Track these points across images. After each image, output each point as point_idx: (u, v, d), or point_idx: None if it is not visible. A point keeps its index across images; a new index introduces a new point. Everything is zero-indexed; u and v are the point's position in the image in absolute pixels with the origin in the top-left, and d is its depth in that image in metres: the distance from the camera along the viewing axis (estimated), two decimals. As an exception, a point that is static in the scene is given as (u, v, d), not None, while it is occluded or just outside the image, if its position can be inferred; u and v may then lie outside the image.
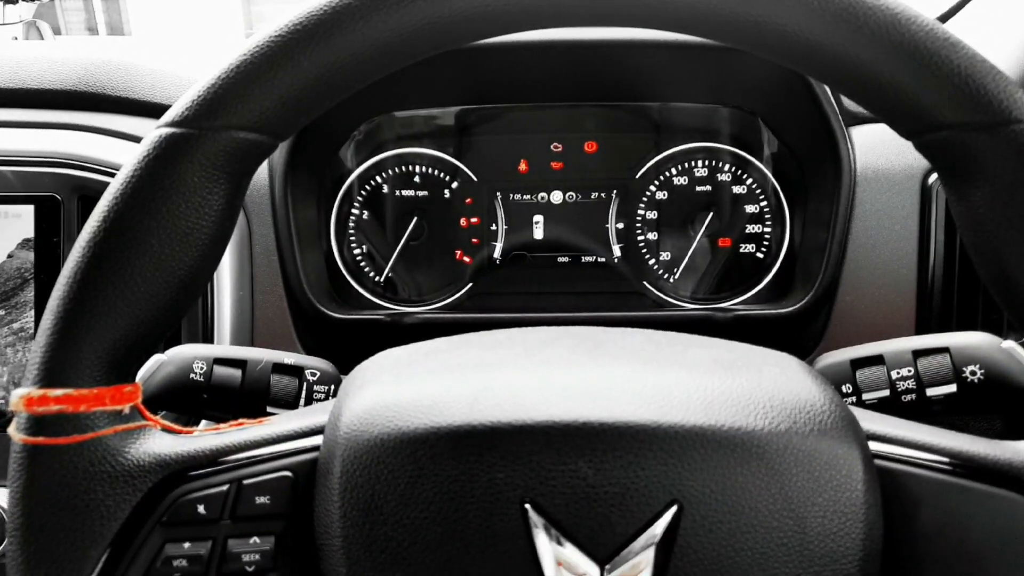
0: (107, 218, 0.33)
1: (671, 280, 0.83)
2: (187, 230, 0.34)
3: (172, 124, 0.34)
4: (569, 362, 0.36)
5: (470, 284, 0.83)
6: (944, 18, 0.84)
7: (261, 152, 0.35)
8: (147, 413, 0.35)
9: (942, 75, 0.32)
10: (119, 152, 0.68)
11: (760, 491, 0.31)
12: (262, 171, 0.74)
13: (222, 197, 0.35)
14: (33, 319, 0.65)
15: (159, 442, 0.35)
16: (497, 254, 0.83)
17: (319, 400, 0.51)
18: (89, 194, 0.65)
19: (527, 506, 0.31)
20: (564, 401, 0.32)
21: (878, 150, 0.74)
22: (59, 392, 0.32)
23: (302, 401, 0.50)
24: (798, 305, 0.74)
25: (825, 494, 0.31)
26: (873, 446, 0.34)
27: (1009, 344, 0.47)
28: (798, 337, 0.76)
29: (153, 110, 0.72)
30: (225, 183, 0.35)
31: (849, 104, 0.76)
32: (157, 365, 0.48)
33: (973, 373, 0.45)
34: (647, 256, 0.83)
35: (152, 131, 0.34)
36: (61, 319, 0.33)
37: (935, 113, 0.33)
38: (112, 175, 0.66)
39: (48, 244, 0.64)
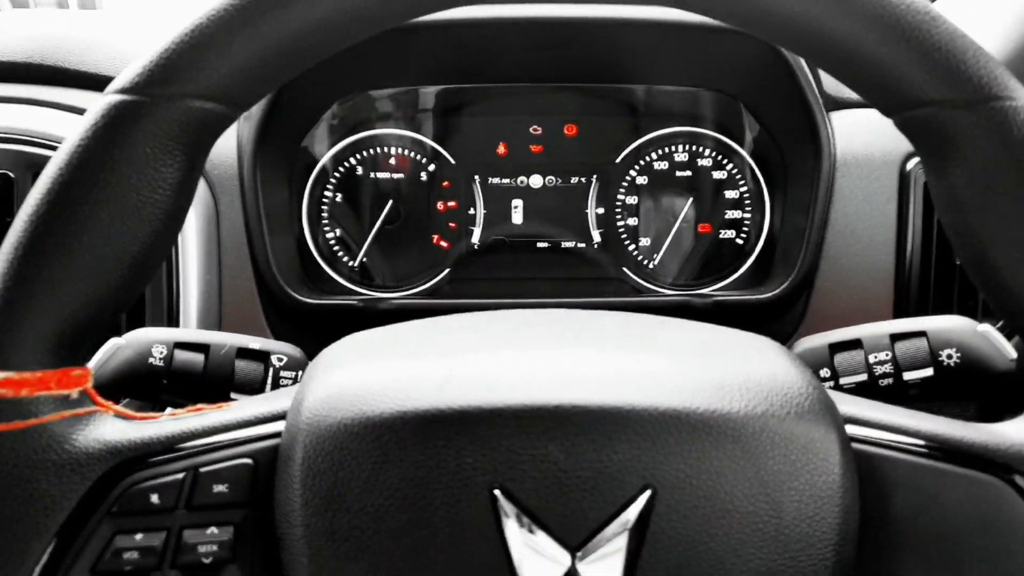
0: (51, 190, 0.31)
1: (651, 266, 0.82)
2: (139, 204, 0.32)
3: (122, 91, 0.32)
4: (540, 345, 0.35)
5: (447, 270, 0.82)
6: (932, -3, 0.84)
7: (219, 123, 0.34)
8: (98, 398, 0.34)
9: (923, 51, 0.31)
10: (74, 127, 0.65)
11: (735, 475, 0.30)
12: (230, 150, 0.72)
13: (177, 170, 0.33)
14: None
15: (110, 428, 0.33)
16: (475, 239, 0.82)
17: (286, 387, 0.49)
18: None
19: (496, 492, 0.30)
20: (534, 384, 0.31)
21: (858, 135, 0.74)
22: None
23: (268, 387, 0.49)
24: (778, 291, 0.73)
25: (801, 478, 0.31)
26: (850, 429, 0.33)
27: (985, 328, 0.46)
28: (777, 323, 0.76)
29: (110, 83, 0.69)
30: (180, 155, 0.33)
31: (830, 89, 0.75)
32: (114, 349, 0.46)
33: (949, 357, 0.45)
34: (627, 242, 0.82)
35: (100, 98, 0.32)
36: (0, 297, 0.31)
37: (915, 90, 0.32)
38: None
39: (0, 224, 0.62)
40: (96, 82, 0.69)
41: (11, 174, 0.62)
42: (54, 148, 0.63)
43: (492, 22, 0.71)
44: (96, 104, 0.32)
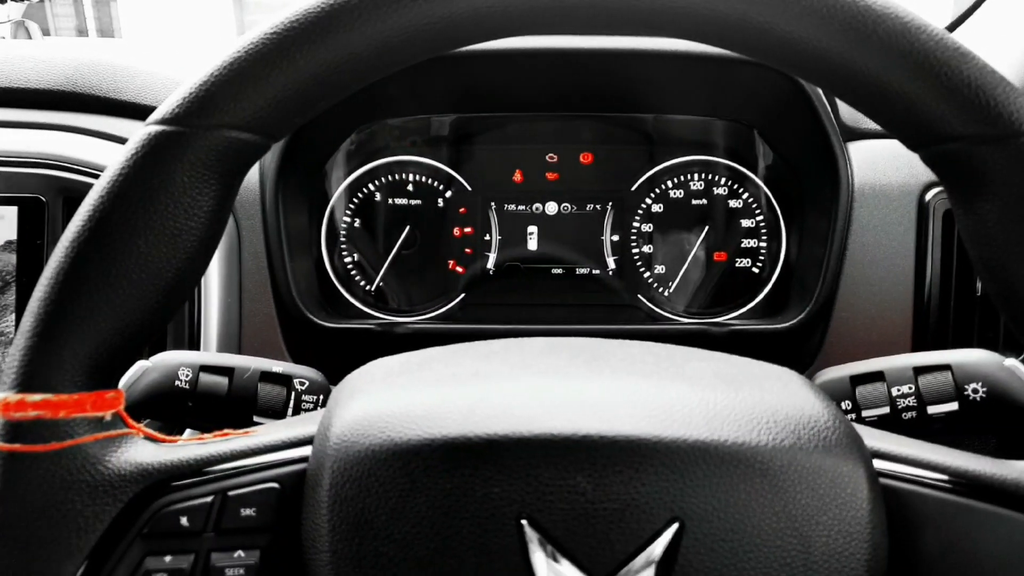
0: (92, 217, 0.32)
1: (666, 293, 0.83)
2: (175, 231, 0.33)
3: (162, 122, 0.33)
4: (567, 374, 0.35)
5: (462, 295, 0.82)
6: (951, 27, 0.85)
7: (254, 152, 0.34)
8: (129, 420, 0.34)
9: (952, 86, 0.31)
10: (107, 154, 0.66)
11: (763, 508, 0.30)
12: (252, 177, 0.73)
13: (212, 198, 0.34)
14: (14, 323, 0.63)
15: (141, 451, 0.33)
16: (490, 265, 0.82)
17: (308, 410, 0.49)
18: (75, 196, 0.64)
19: (523, 522, 0.30)
20: (563, 414, 0.31)
21: (876, 166, 0.74)
22: (38, 397, 0.31)
23: (290, 411, 0.49)
24: (794, 320, 0.73)
25: (830, 512, 0.30)
26: (877, 464, 0.33)
27: (1011, 362, 0.46)
28: (794, 353, 0.76)
29: (143, 112, 0.71)
30: (215, 184, 0.34)
31: (847, 119, 0.76)
32: (141, 372, 0.47)
33: (975, 391, 0.45)
34: (642, 269, 0.82)
35: (140, 128, 0.33)
36: (41, 321, 0.31)
37: (943, 125, 0.32)
38: (99, 177, 0.65)
39: (31, 246, 0.63)
40: (127, 110, 0.70)
41: (43, 198, 0.63)
42: (85, 173, 0.65)
43: (509, 52, 0.73)
44: (136, 134, 0.33)
